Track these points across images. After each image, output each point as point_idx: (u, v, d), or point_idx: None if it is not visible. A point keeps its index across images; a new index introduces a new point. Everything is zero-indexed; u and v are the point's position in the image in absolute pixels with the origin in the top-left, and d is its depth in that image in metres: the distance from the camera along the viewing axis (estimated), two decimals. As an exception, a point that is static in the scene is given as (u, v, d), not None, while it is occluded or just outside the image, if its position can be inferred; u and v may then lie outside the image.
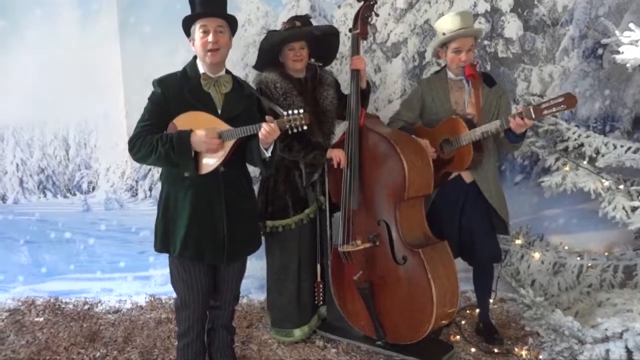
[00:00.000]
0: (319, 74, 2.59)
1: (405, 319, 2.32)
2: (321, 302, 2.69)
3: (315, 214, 2.60)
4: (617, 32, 2.55)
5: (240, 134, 1.99)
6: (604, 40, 2.81)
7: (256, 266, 2.90)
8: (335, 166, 2.42)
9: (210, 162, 2.03)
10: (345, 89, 2.68)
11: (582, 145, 2.78)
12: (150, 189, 3.23)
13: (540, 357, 2.45)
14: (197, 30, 2.05)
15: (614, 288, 2.87)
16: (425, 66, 3.09)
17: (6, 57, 3.06)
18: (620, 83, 3.05)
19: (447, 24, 2.44)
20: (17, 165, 3.27)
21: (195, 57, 2.13)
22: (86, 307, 3.16)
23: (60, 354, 2.61)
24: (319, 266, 2.65)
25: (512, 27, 3.02)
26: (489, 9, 3.01)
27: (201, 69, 2.10)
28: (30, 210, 3.29)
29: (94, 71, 3.02)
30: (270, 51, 2.48)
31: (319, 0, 3.05)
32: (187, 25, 2.08)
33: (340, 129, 2.74)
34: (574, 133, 2.81)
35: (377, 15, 2.54)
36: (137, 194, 3.25)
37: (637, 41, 2.33)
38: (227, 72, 2.17)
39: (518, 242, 3.06)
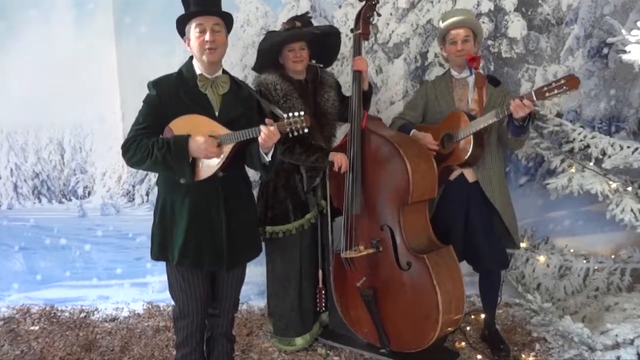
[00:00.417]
0: (319, 75, 2.54)
1: (409, 326, 2.27)
2: (323, 309, 2.64)
3: (317, 219, 2.54)
4: (623, 31, 2.51)
5: (238, 138, 1.93)
6: (610, 40, 2.77)
7: (255, 272, 2.84)
8: (336, 170, 2.37)
9: (208, 168, 1.97)
10: (347, 90, 2.63)
11: (588, 146, 2.73)
12: (147, 194, 3.17)
13: (549, 364, 2.40)
14: (192, 29, 1.99)
15: (621, 292, 2.82)
16: (427, 67, 3.04)
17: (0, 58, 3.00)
18: (626, 83, 3.01)
19: (444, 20, 2.49)
20: (11, 170, 3.21)
21: (191, 58, 2.07)
22: (82, 315, 3.10)
23: (55, 365, 2.56)
24: (320, 272, 2.58)
25: (516, 27, 2.97)
26: (492, 8, 2.96)
27: (197, 69, 2.04)
28: (24, 216, 3.23)
29: (89, 73, 2.97)
30: (270, 52, 2.43)
31: (319, 0, 2.99)
32: (182, 24, 2.02)
33: (341, 131, 2.69)
34: (579, 134, 2.76)
35: (379, 15, 2.50)
36: (134, 199, 3.19)
37: (645, 40, 2.29)
38: (224, 72, 2.11)
39: (523, 245, 3.00)
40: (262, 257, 2.50)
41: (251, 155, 2.03)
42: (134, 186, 3.18)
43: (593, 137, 2.74)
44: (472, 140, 2.37)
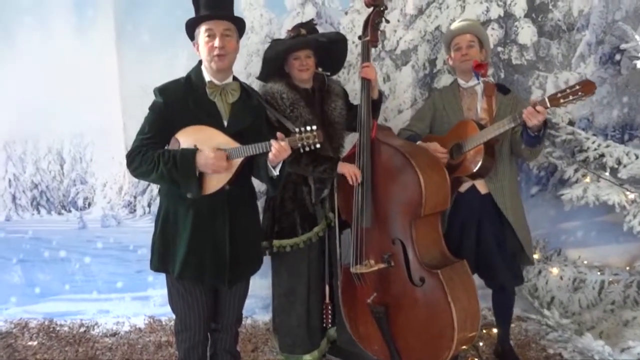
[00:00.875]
0: (326, 83, 2.47)
1: (423, 344, 2.18)
2: (330, 325, 2.55)
3: (324, 232, 2.46)
4: (637, 37, 2.44)
5: (248, 153, 1.86)
6: (623, 46, 2.72)
7: (260, 285, 2.78)
8: (351, 183, 2.28)
9: (215, 182, 1.89)
10: (354, 99, 2.55)
11: (602, 155, 2.66)
12: (149, 205, 3.10)
13: (566, 382, 2.32)
14: (201, 33, 1.92)
15: (639, 305, 2.73)
16: (436, 74, 2.98)
17: (-4, 66, 2.95)
18: (639, 90, 2.93)
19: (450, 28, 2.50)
20: (10, 180, 3.14)
21: (200, 63, 2.00)
22: (82, 329, 3.03)
23: (54, 383, 2.49)
24: (327, 287, 2.50)
25: (526, 33, 2.90)
26: (502, 14, 2.89)
27: (207, 76, 1.97)
28: (23, 228, 3.17)
29: (90, 81, 2.91)
30: (275, 61, 2.36)
31: (325, 6, 2.93)
32: (191, 28, 1.95)
33: (348, 140, 2.61)
34: (593, 143, 2.69)
35: (387, 21, 2.43)
36: (135, 210, 3.12)
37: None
38: (235, 79, 2.03)
39: (535, 256, 2.92)
40: (267, 269, 2.43)
41: (258, 167, 1.96)
42: (135, 197, 3.11)
43: (607, 146, 2.68)
44: (482, 151, 2.29)
